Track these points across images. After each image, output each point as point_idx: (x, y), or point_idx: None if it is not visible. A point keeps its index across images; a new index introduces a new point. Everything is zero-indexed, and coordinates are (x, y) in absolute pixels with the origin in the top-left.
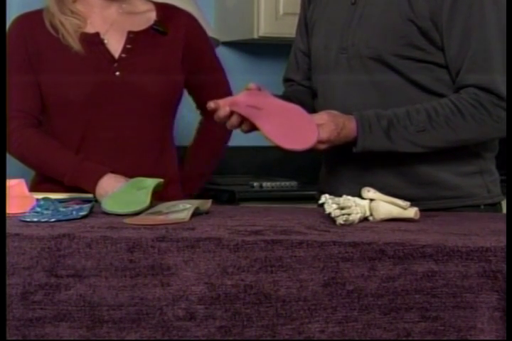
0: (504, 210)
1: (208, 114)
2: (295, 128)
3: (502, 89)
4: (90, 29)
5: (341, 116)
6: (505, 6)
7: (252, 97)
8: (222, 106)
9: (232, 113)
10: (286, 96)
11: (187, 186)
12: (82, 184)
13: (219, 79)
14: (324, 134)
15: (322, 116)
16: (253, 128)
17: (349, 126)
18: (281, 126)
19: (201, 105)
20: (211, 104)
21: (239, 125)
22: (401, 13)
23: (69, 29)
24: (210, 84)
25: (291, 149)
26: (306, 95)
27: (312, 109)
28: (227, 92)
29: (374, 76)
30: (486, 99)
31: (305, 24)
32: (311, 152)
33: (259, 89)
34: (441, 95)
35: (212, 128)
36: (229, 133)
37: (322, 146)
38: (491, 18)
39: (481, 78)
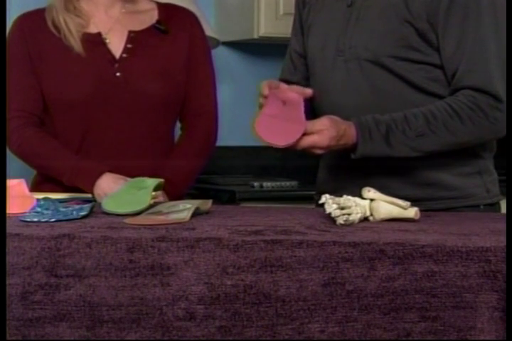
0: (503, 210)
1: (187, 124)
2: (282, 128)
3: (499, 90)
4: (93, 29)
5: (342, 122)
6: (502, 7)
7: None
8: (266, 87)
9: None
10: None
11: (169, 190)
12: (80, 183)
13: (206, 88)
14: (325, 140)
15: (323, 122)
16: None
17: (349, 132)
18: (273, 122)
19: (182, 114)
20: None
21: None
22: (398, 14)
23: (72, 29)
24: (196, 91)
25: (267, 143)
26: None
27: (308, 110)
28: (211, 102)
29: (371, 78)
30: (483, 101)
31: (300, 25)
32: (309, 156)
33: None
34: (438, 96)
35: (193, 138)
36: (211, 144)
37: (320, 151)
38: (487, 20)
39: (477, 80)
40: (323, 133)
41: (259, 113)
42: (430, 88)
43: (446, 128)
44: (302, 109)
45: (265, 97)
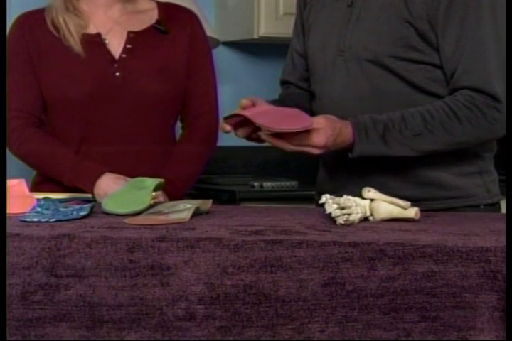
0: (503, 210)
1: (187, 124)
2: (290, 116)
3: (497, 90)
4: (92, 29)
5: (338, 121)
6: (502, 7)
7: (251, 111)
8: (225, 124)
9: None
10: (282, 100)
11: (169, 191)
12: (80, 184)
13: (207, 88)
14: (321, 139)
15: (319, 121)
16: (248, 133)
17: (346, 131)
18: (277, 116)
19: (182, 114)
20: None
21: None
22: (398, 14)
23: (71, 29)
24: (196, 92)
25: (282, 129)
26: (302, 97)
27: (309, 111)
28: (211, 102)
29: (371, 77)
30: (481, 101)
31: (301, 26)
32: (307, 156)
33: (254, 105)
34: (438, 96)
35: (194, 139)
36: (211, 145)
37: (317, 151)
38: (486, 20)
39: (476, 79)
40: (320, 131)
41: (256, 121)
42: (430, 88)
43: (443, 128)
44: (270, 105)
45: (235, 129)
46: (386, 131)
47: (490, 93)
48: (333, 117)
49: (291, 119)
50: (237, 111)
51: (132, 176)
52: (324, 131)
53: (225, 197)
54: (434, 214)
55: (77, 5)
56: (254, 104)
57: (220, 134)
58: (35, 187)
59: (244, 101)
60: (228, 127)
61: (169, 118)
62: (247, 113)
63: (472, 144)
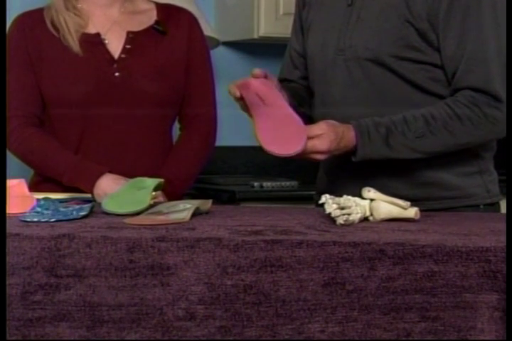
0: (503, 210)
1: (186, 125)
2: (285, 135)
3: (499, 90)
4: (92, 29)
5: (340, 125)
6: (502, 7)
7: (264, 87)
8: (235, 88)
9: (241, 97)
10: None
11: (168, 191)
12: (80, 184)
13: (205, 89)
14: (324, 144)
15: (321, 126)
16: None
17: (348, 135)
18: (274, 129)
19: (181, 115)
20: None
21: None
22: (398, 14)
23: (71, 28)
24: (194, 92)
25: (271, 152)
26: (303, 92)
27: (310, 107)
28: (210, 103)
29: (371, 77)
30: (482, 101)
31: (300, 25)
32: (310, 162)
33: (266, 76)
34: (438, 96)
35: (192, 139)
36: (209, 145)
37: (321, 157)
38: (487, 20)
39: (477, 80)
40: (323, 136)
41: (255, 122)
42: (431, 88)
43: (445, 129)
44: (280, 96)
45: (241, 99)
46: (389, 134)
47: (491, 93)
48: (334, 122)
49: (285, 137)
50: (245, 80)
51: (131, 176)
52: (327, 135)
53: (225, 197)
54: (434, 214)
55: (76, 4)
56: (265, 76)
57: (220, 134)
58: (33, 187)
59: (257, 72)
60: (238, 93)
61: (168, 119)
62: (255, 102)
63: (474, 145)
